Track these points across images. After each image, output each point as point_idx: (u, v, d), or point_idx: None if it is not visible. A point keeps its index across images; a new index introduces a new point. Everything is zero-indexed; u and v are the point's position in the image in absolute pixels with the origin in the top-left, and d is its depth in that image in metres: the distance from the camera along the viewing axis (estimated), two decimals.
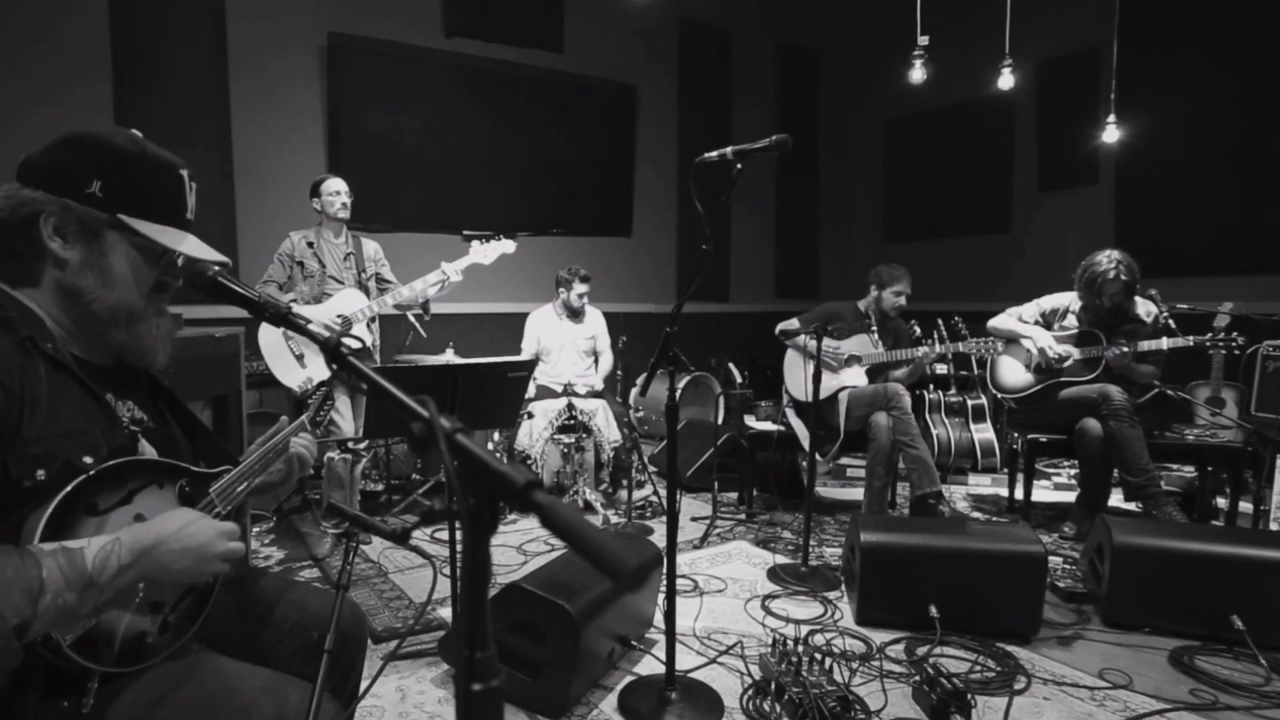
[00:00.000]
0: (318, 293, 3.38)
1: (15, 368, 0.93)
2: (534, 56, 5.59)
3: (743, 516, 3.69)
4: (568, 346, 4.21)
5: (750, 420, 4.29)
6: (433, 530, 3.45)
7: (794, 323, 3.73)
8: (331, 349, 0.88)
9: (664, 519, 2.92)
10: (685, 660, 2.18)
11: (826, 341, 3.47)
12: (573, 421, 3.69)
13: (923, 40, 3.96)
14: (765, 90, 6.99)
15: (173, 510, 1.00)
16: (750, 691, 2.01)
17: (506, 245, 3.60)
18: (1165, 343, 3.25)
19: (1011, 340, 3.59)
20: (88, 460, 0.95)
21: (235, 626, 1.20)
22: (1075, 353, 3.41)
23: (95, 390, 1.02)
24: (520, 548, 3.21)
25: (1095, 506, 3.29)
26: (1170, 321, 3.63)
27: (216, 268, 1.04)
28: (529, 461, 3.66)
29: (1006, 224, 6.13)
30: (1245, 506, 3.36)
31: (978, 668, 2.15)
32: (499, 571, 2.89)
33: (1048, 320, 3.58)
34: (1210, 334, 3.30)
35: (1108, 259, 3.30)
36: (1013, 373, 3.61)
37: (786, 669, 1.91)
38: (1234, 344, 3.22)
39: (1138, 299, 3.42)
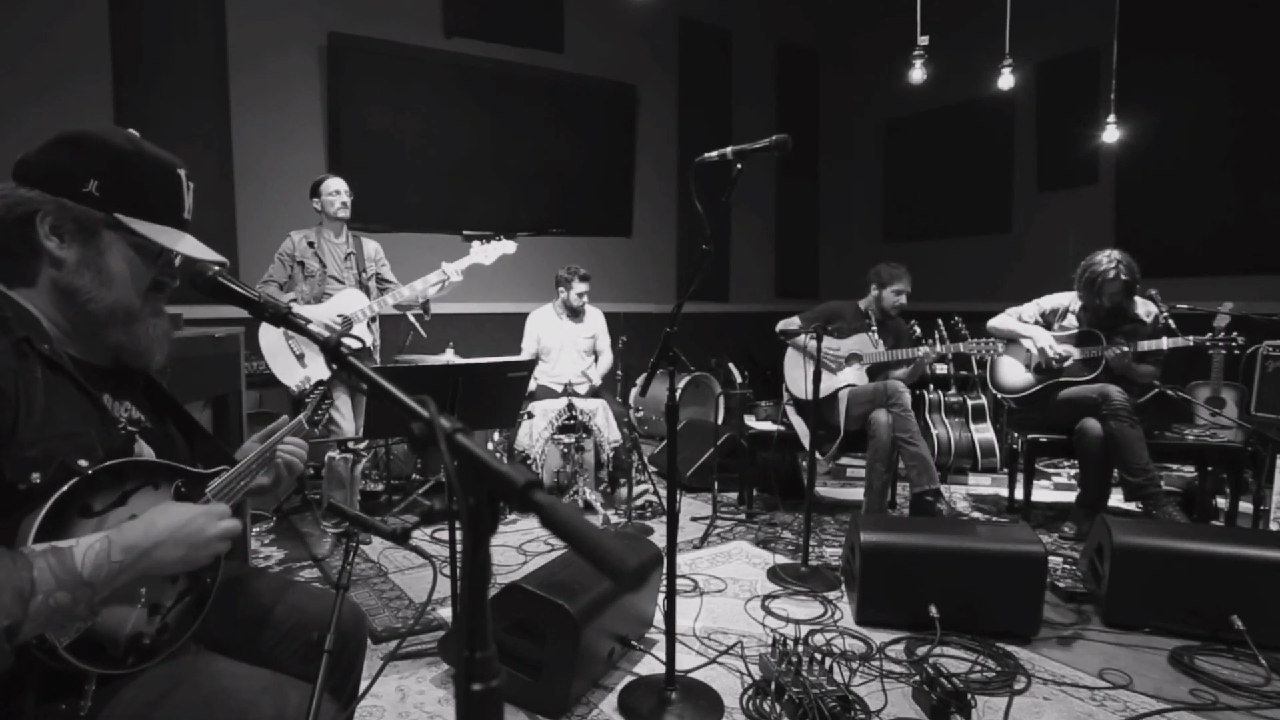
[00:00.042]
0: (318, 292, 3.38)
1: (10, 369, 0.92)
2: (534, 56, 5.59)
3: (743, 516, 3.69)
4: (568, 346, 4.21)
5: (750, 420, 4.29)
6: (433, 530, 3.45)
7: (794, 321, 3.73)
8: (331, 349, 0.88)
9: (664, 519, 2.92)
10: (685, 660, 2.18)
11: (826, 342, 3.47)
12: (573, 421, 3.69)
13: (923, 40, 3.96)
14: (765, 90, 6.99)
15: (161, 505, 1.00)
16: (750, 691, 2.01)
17: (507, 245, 3.60)
18: (1165, 343, 3.25)
19: (1011, 340, 3.59)
20: (83, 463, 0.95)
21: (234, 627, 1.19)
22: (1075, 353, 3.41)
23: (91, 391, 1.02)
24: (520, 548, 3.21)
25: (1095, 506, 3.29)
26: (1170, 321, 3.63)
27: (216, 268, 1.04)
28: (529, 461, 3.66)
29: (1006, 224, 6.13)
30: (1245, 506, 3.36)
31: (978, 668, 2.15)
32: (499, 571, 2.89)
33: (1048, 320, 3.58)
34: (1210, 334, 3.30)
35: (1108, 259, 3.30)
36: (1013, 373, 3.61)
37: (786, 669, 1.91)
38: (1234, 344, 3.22)
39: (1138, 299, 3.42)
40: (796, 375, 3.73)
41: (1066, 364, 3.41)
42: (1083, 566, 2.72)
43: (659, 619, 2.40)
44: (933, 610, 2.28)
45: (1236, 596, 2.23)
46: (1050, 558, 2.57)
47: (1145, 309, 3.43)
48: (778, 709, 1.90)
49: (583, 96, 5.82)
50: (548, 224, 5.75)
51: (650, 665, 2.20)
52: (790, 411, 3.72)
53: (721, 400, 4.15)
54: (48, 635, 0.87)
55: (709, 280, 6.44)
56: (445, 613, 2.52)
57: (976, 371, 4.26)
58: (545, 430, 3.67)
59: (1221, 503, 3.54)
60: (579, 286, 4.14)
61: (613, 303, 5.32)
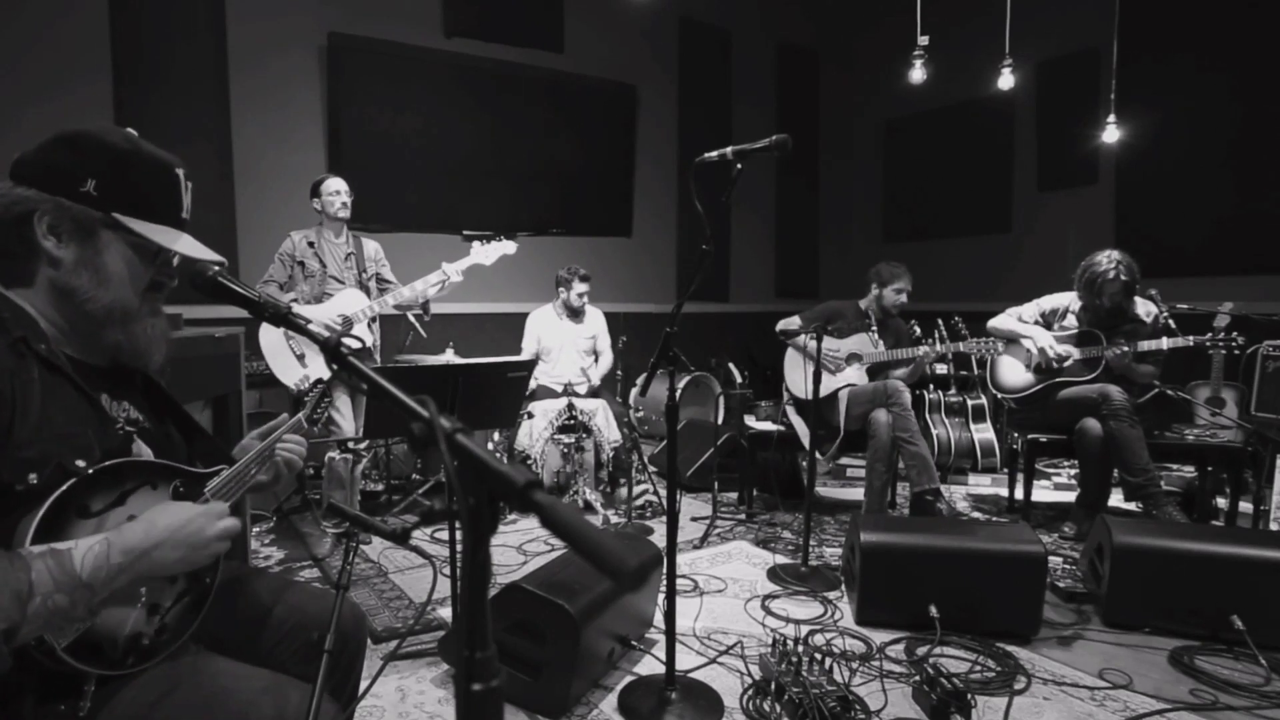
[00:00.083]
0: (318, 292, 3.38)
1: (7, 370, 0.92)
2: (534, 56, 5.59)
3: (743, 516, 3.69)
4: (568, 346, 4.21)
5: (750, 420, 4.29)
6: (433, 530, 3.45)
7: (794, 321, 3.74)
8: (331, 349, 0.88)
9: (664, 519, 2.91)
10: (685, 660, 2.17)
11: (826, 342, 3.47)
12: (573, 421, 3.69)
13: (923, 40, 3.96)
14: (765, 90, 6.99)
15: (160, 505, 1.00)
16: (750, 691, 2.01)
17: (507, 246, 3.60)
18: (1165, 343, 3.25)
19: (1011, 340, 3.59)
20: (80, 464, 0.94)
21: (234, 627, 1.19)
22: (1075, 353, 3.41)
23: (89, 392, 1.02)
24: (520, 548, 3.21)
25: (1095, 506, 3.29)
26: (1170, 321, 3.62)
27: (216, 268, 1.04)
28: (529, 461, 3.66)
29: (1006, 224, 6.13)
30: (1245, 506, 3.36)
31: (978, 668, 2.15)
32: (499, 571, 2.89)
33: (1048, 320, 3.59)
34: (1210, 334, 3.30)
35: (1107, 259, 3.30)
36: (1013, 373, 3.61)
37: (786, 669, 1.91)
38: (1234, 344, 3.22)
39: (1137, 299, 3.42)
40: (796, 376, 3.73)
41: (1066, 364, 3.41)
42: (1083, 566, 2.72)
43: (659, 619, 2.40)
44: (933, 610, 2.28)
45: (1236, 596, 2.23)
46: (1050, 558, 2.57)
47: (1145, 309, 3.43)
48: (778, 709, 1.90)
49: (583, 96, 5.82)
50: (548, 224, 5.75)
51: (650, 665, 2.20)
52: (790, 411, 3.72)
53: (721, 400, 4.15)
54: (46, 637, 0.87)
55: (709, 280, 6.44)
56: (445, 613, 2.51)
57: (976, 371, 4.26)
58: (545, 430, 3.67)
59: (1221, 503, 3.54)
60: (579, 287, 4.14)
61: (613, 303, 5.32)
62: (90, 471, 0.95)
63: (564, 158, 5.77)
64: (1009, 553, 2.33)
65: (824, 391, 3.45)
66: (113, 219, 1.02)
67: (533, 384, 3.91)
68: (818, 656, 1.96)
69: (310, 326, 0.96)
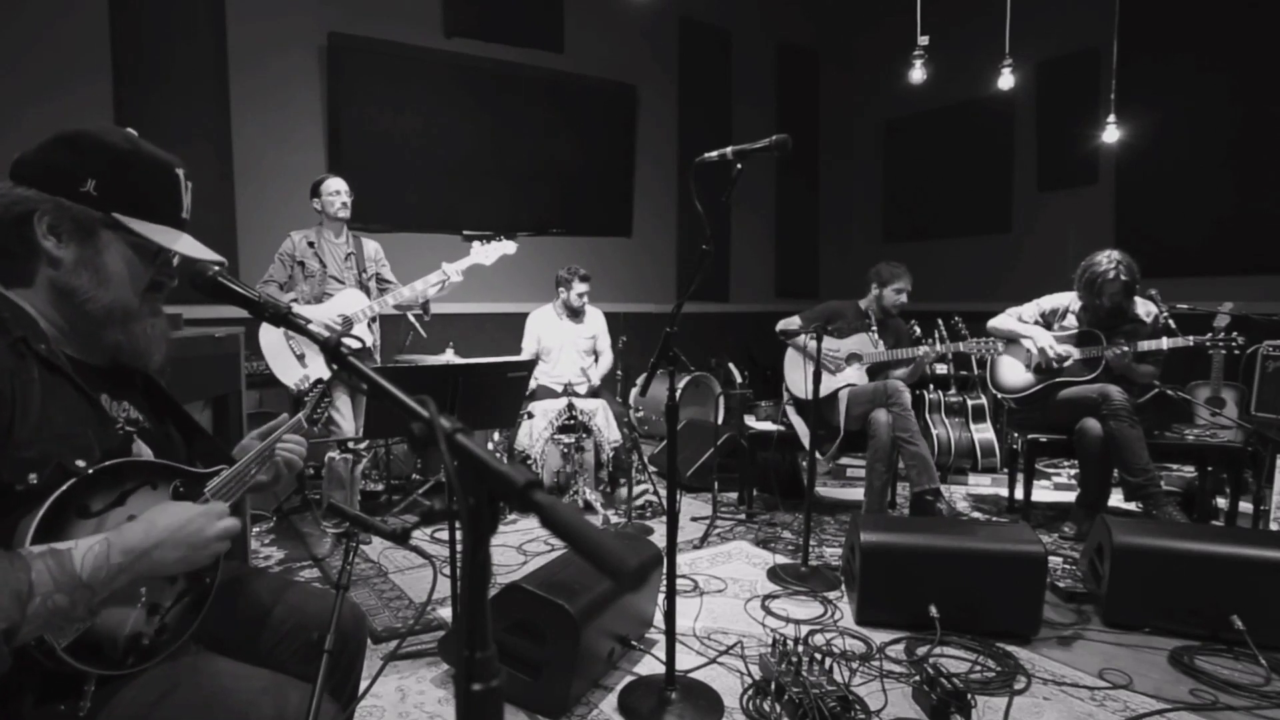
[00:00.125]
0: (319, 292, 3.38)
1: (7, 370, 0.92)
2: (534, 56, 5.59)
3: (743, 516, 3.69)
4: (568, 346, 4.21)
5: (750, 420, 4.29)
6: (433, 530, 3.45)
7: (794, 321, 3.73)
8: (331, 349, 0.88)
9: (664, 519, 2.91)
10: (685, 660, 2.17)
11: (826, 342, 3.47)
12: (573, 421, 3.69)
13: (923, 40, 3.96)
14: (765, 90, 6.99)
15: (160, 505, 1.00)
16: (750, 691, 2.01)
17: (507, 246, 3.60)
18: (1165, 343, 3.25)
19: (1011, 340, 3.59)
20: (80, 464, 0.94)
21: (234, 627, 1.19)
22: (1075, 353, 3.41)
23: (89, 392, 1.02)
24: (520, 548, 3.21)
25: (1095, 506, 3.29)
26: (1170, 321, 3.62)
27: (216, 268, 1.04)
28: (529, 461, 3.66)
29: (1006, 224, 6.13)
30: (1245, 506, 3.36)
31: (978, 668, 2.15)
32: (499, 571, 2.89)
33: (1048, 320, 3.59)
34: (1210, 334, 3.30)
35: (1107, 259, 3.30)
36: (1013, 373, 3.61)
37: (786, 669, 1.91)
38: (1234, 344, 3.22)
39: (1137, 299, 3.42)
40: (796, 376, 3.73)
41: (1066, 364, 3.41)
42: (1083, 566, 2.72)
43: (659, 619, 2.40)
44: (933, 610, 2.28)
45: (1236, 596, 2.23)
46: (1050, 558, 2.57)
47: (1145, 309, 3.43)
48: (778, 709, 1.90)
49: (583, 96, 5.82)
50: (548, 224, 5.75)
51: (650, 665, 2.20)
52: (790, 411, 3.72)
53: (721, 400, 4.15)
54: (46, 637, 0.87)
55: (709, 280, 6.44)
56: (445, 613, 2.51)
57: (976, 371, 4.26)
58: (545, 430, 3.67)
59: (1221, 503, 3.54)
60: (579, 287, 4.14)
61: (613, 303, 5.32)
62: (90, 471, 0.95)
63: (564, 158, 5.77)
64: (1009, 553, 2.33)
65: (824, 391, 3.45)
66: (113, 219, 1.02)
67: (533, 384, 3.91)
68: (818, 656, 1.96)
69: (310, 326, 0.96)
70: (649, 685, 2.04)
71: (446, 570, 2.62)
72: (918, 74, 3.98)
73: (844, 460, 4.64)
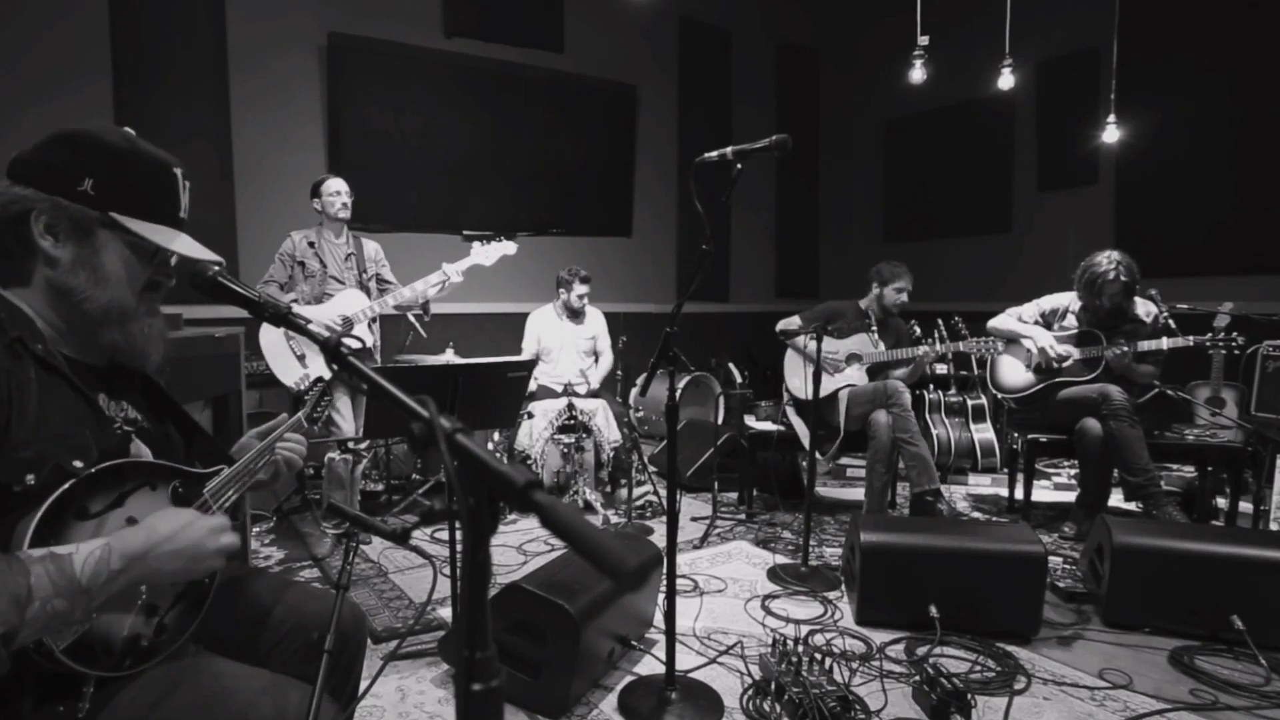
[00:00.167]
0: (319, 293, 3.38)
1: (4, 370, 0.92)
2: (534, 56, 5.59)
3: (743, 516, 3.69)
4: (568, 347, 4.21)
5: (750, 420, 4.29)
6: (433, 530, 3.45)
7: (794, 321, 3.73)
8: (331, 349, 0.88)
9: (664, 519, 2.91)
10: (685, 660, 2.17)
11: (825, 344, 3.46)
12: (573, 421, 3.69)
13: (923, 40, 3.96)
14: (765, 90, 6.99)
15: (162, 511, 0.99)
16: (750, 691, 2.01)
17: (507, 247, 3.60)
18: (1165, 343, 3.25)
19: (1011, 340, 3.59)
20: (78, 464, 0.94)
21: (233, 628, 1.19)
22: (1075, 353, 3.41)
23: (86, 392, 1.01)
24: (520, 548, 3.21)
25: (1095, 506, 3.29)
26: (1170, 321, 3.63)
27: (217, 268, 1.04)
28: (529, 461, 3.66)
29: (1006, 224, 6.13)
30: (1245, 506, 3.36)
31: (978, 668, 2.15)
32: (499, 571, 2.89)
33: (1047, 320, 3.59)
34: (1210, 334, 3.30)
35: (1107, 260, 3.30)
36: (1013, 373, 3.61)
37: (786, 669, 1.91)
38: (1234, 344, 3.22)
39: (1137, 299, 3.42)
40: (796, 381, 3.73)
41: (1066, 364, 3.41)
42: (1083, 566, 2.72)
43: (659, 619, 2.40)
44: (933, 610, 2.28)
45: (1236, 596, 2.23)
46: (1050, 558, 2.57)
47: (1145, 309, 3.43)
48: (778, 709, 1.90)
49: (583, 96, 5.82)
50: (548, 224, 5.75)
51: (650, 665, 2.20)
52: (790, 412, 3.72)
53: (721, 400, 4.15)
54: (45, 639, 0.87)
55: (709, 280, 6.44)
56: (445, 613, 2.51)
57: (976, 371, 4.26)
58: (545, 430, 3.67)
59: (1221, 503, 3.53)
60: (579, 288, 4.14)
61: (613, 303, 5.32)
62: (88, 472, 0.94)
63: (564, 158, 5.77)
64: (1009, 553, 2.33)
65: (824, 392, 3.45)
66: (110, 218, 1.01)
67: (533, 385, 3.91)
68: (818, 656, 1.96)
69: (310, 326, 0.96)
70: (649, 685, 2.04)
71: (446, 570, 2.62)
72: (918, 74, 3.98)
73: (844, 460, 4.64)
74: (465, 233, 5.18)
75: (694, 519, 3.64)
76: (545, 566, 2.15)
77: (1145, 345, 3.28)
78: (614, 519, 3.67)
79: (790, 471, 3.98)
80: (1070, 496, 3.79)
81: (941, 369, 4.35)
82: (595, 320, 4.31)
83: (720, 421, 4.04)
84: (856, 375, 3.64)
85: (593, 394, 4.07)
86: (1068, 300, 3.55)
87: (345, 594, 1.21)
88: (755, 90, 6.87)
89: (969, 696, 1.84)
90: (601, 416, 3.76)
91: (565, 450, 3.70)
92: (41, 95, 3.92)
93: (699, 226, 1.87)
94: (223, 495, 1.13)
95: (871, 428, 3.37)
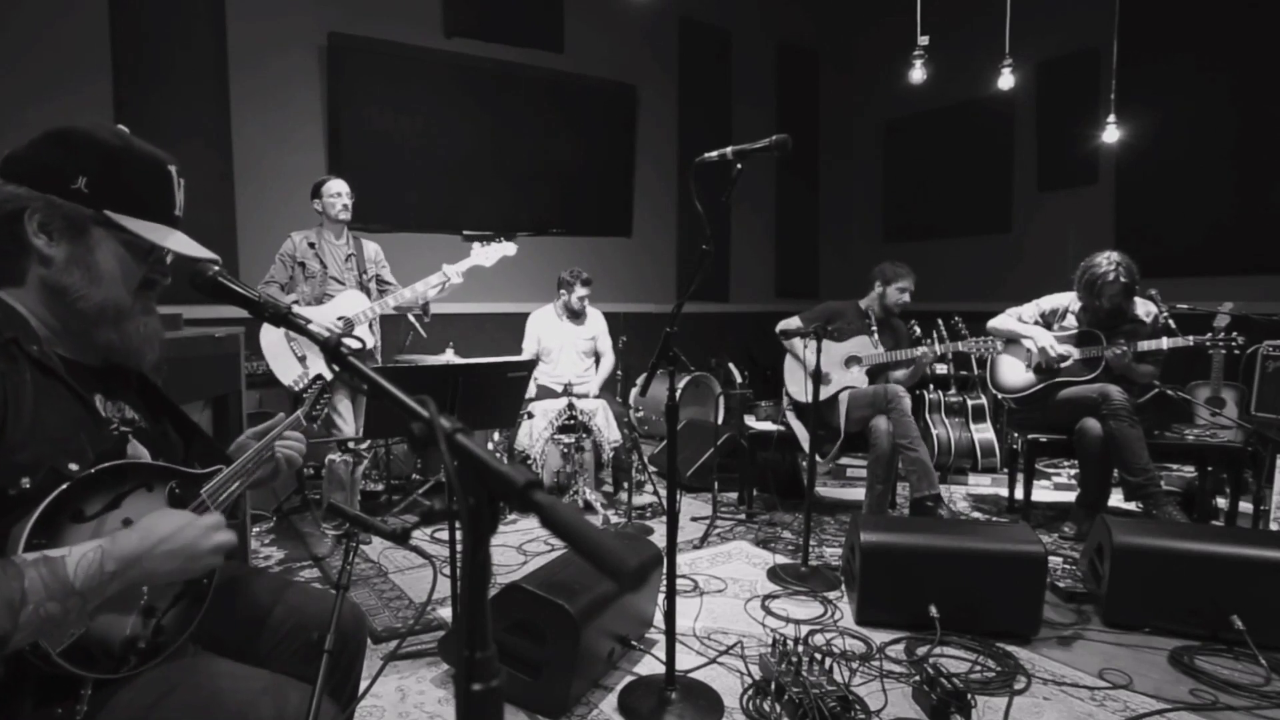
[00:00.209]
0: (319, 294, 3.38)
1: None
2: (534, 56, 5.59)
3: (743, 516, 3.69)
4: (568, 347, 4.21)
5: (750, 420, 4.29)
6: (433, 530, 3.45)
7: (794, 321, 3.73)
8: (332, 349, 0.87)
9: (664, 519, 2.91)
10: (685, 660, 2.17)
11: (823, 347, 3.46)
12: (573, 421, 3.69)
13: (923, 40, 3.96)
14: (765, 90, 6.99)
15: (157, 512, 0.99)
16: (750, 691, 2.01)
17: (507, 247, 3.60)
18: (1165, 343, 3.25)
19: (1011, 340, 3.59)
20: (73, 467, 0.93)
21: (233, 628, 1.19)
22: (1075, 353, 3.41)
23: (82, 393, 1.01)
24: (520, 548, 3.21)
25: (1095, 506, 3.29)
26: (1170, 321, 3.63)
27: (216, 268, 1.03)
28: (529, 461, 3.66)
29: (1006, 224, 6.13)
30: (1245, 506, 3.36)
31: (978, 668, 2.15)
32: (499, 571, 2.89)
33: (1047, 320, 3.59)
34: (1210, 334, 3.30)
35: (1107, 260, 3.30)
36: (1013, 373, 3.61)
37: (786, 669, 1.91)
38: (1234, 344, 3.22)
39: (1137, 299, 3.42)
40: (796, 387, 3.73)
41: (1066, 364, 3.41)
42: (1083, 566, 2.72)
43: (659, 619, 2.40)
44: (933, 610, 2.28)
45: (1236, 596, 2.23)
46: (1050, 558, 2.57)
47: (1145, 309, 3.43)
48: (778, 709, 1.90)
49: (583, 96, 5.82)
50: (548, 224, 5.74)
51: (650, 665, 2.20)
52: (790, 416, 3.72)
53: (721, 400, 4.15)
54: (41, 642, 0.86)
55: (709, 280, 6.44)
56: (445, 613, 2.51)
57: (976, 371, 4.26)
58: (545, 430, 3.67)
59: (1221, 503, 3.54)
60: (580, 290, 4.14)
61: (613, 303, 5.32)
62: (84, 474, 0.94)
63: (564, 158, 5.77)
64: (1009, 553, 2.33)
65: (824, 395, 3.45)
66: (104, 216, 1.01)
67: (533, 386, 3.91)
68: (818, 656, 1.96)
69: (310, 327, 0.96)
70: (649, 685, 2.04)
71: (446, 570, 2.62)
72: (918, 74, 3.98)
73: (844, 460, 4.64)
74: (465, 233, 5.18)
75: (694, 519, 3.64)
76: (545, 566, 2.15)
77: (1145, 345, 3.28)
78: (614, 519, 3.67)
79: (790, 471, 3.98)
80: (1070, 496, 3.79)
81: (941, 369, 4.35)
82: (595, 321, 4.31)
83: (720, 422, 4.04)
84: (856, 377, 3.64)
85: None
86: (1067, 300, 3.55)
87: (345, 594, 1.21)
88: (755, 90, 6.87)
89: (969, 696, 1.84)
90: (601, 416, 3.76)
91: (565, 450, 3.70)
92: (41, 95, 3.92)
93: (699, 226, 1.87)
94: (220, 496, 1.13)
95: (872, 435, 3.37)
